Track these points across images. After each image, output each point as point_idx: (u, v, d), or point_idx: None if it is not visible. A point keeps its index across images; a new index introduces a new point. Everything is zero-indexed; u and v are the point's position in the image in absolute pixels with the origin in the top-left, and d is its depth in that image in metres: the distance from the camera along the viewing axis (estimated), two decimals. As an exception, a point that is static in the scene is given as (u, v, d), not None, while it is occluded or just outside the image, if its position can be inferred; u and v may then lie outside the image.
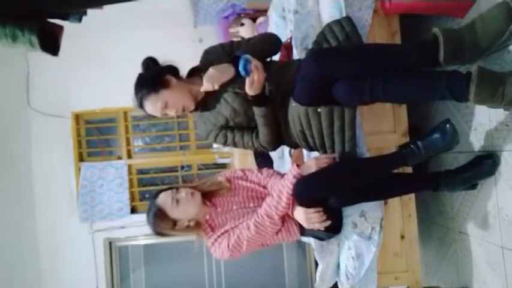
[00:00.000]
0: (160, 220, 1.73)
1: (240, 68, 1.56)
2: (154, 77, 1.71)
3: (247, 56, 1.57)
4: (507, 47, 1.52)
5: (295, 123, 1.68)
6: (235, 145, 1.80)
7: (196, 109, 1.80)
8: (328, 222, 1.66)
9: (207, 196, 1.83)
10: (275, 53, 1.88)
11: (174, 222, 1.74)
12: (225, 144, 1.81)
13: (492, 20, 1.39)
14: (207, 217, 1.79)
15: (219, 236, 1.73)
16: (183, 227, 1.76)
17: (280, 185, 1.68)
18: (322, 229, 1.68)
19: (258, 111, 1.67)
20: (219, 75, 1.62)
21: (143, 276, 4.19)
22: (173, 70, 1.76)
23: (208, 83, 1.61)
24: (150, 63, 1.78)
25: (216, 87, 1.62)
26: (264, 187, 1.85)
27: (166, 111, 1.71)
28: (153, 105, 1.69)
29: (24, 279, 3.76)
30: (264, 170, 1.92)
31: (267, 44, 1.84)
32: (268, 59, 1.84)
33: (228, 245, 1.69)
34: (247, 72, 1.56)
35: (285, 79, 1.71)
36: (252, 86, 1.59)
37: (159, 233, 1.77)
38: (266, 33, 2.00)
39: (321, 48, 1.69)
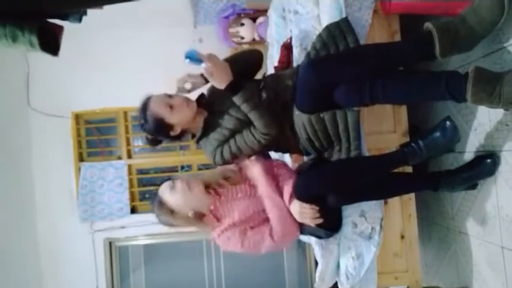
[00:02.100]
0: (158, 209, 1.72)
1: (187, 59, 1.59)
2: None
3: (192, 49, 1.61)
4: (507, 47, 1.53)
5: (300, 132, 1.69)
6: (239, 150, 1.74)
7: (202, 137, 1.82)
8: (320, 220, 1.66)
9: (211, 186, 1.79)
10: (256, 66, 1.91)
11: (171, 211, 1.72)
12: (231, 154, 1.75)
13: (484, 11, 1.40)
14: (212, 207, 1.74)
15: (226, 229, 1.68)
16: (183, 216, 1.72)
17: (276, 206, 1.69)
18: (313, 225, 1.68)
19: (238, 99, 1.66)
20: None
21: (143, 276, 4.19)
22: None
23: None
24: None
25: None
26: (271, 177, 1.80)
27: (170, 102, 1.73)
28: (157, 96, 1.75)
29: (24, 279, 3.76)
30: (275, 161, 1.93)
31: (246, 54, 1.93)
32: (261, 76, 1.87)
33: (243, 242, 1.66)
34: (197, 60, 1.60)
35: (281, 88, 1.73)
36: (213, 77, 1.62)
37: (164, 222, 1.76)
38: (250, 49, 2.04)
39: (317, 56, 1.69)
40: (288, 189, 1.69)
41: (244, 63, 1.83)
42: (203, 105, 1.84)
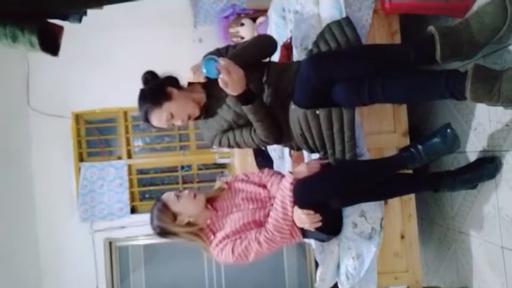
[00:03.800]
0: (162, 213, 1.76)
1: (204, 70, 1.56)
2: (155, 91, 1.74)
3: (212, 57, 1.57)
4: (507, 47, 1.52)
5: (295, 126, 1.68)
6: (238, 145, 1.81)
7: (199, 117, 1.82)
8: (318, 224, 1.66)
9: (209, 201, 1.86)
10: (270, 55, 1.87)
11: (175, 217, 1.76)
12: (229, 146, 1.82)
13: (488, 17, 1.39)
14: (208, 221, 1.80)
15: (220, 241, 1.74)
16: (183, 223, 1.77)
17: (280, 195, 1.68)
18: (312, 229, 1.69)
19: (246, 110, 1.66)
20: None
21: (143, 276, 4.19)
22: (173, 81, 1.79)
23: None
24: (149, 77, 1.81)
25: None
26: (264, 187, 1.86)
27: (172, 122, 1.75)
28: (158, 119, 1.73)
29: (24, 279, 3.76)
30: (265, 170, 1.95)
31: (260, 46, 1.84)
32: (267, 60, 1.84)
33: (233, 252, 1.69)
34: (214, 73, 1.55)
35: (283, 82, 1.72)
36: (227, 87, 1.58)
37: (161, 231, 1.79)
38: (261, 35, 2.00)
39: (318, 53, 1.69)
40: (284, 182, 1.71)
41: (257, 55, 1.81)
42: (204, 83, 1.82)
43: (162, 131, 4.02)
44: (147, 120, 1.76)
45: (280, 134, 1.75)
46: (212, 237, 1.76)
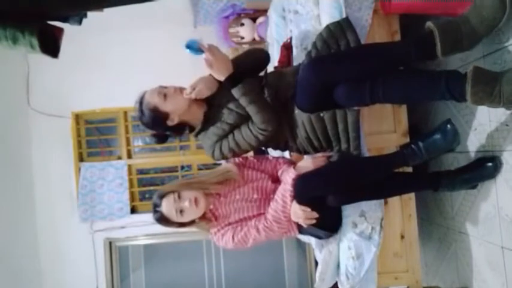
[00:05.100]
0: (166, 223, 1.78)
1: (187, 50, 1.60)
2: None
3: (193, 39, 1.62)
4: (507, 47, 1.52)
5: (300, 130, 1.69)
6: (238, 145, 1.76)
7: (200, 131, 1.83)
8: (312, 221, 1.66)
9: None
10: (263, 63, 1.90)
11: (180, 224, 1.78)
12: (229, 149, 1.77)
13: (486, 10, 1.39)
14: (211, 206, 1.80)
15: (222, 227, 1.77)
16: (189, 225, 1.80)
17: (282, 189, 1.69)
18: (305, 226, 1.69)
19: (236, 92, 1.67)
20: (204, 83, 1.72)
21: (143, 276, 4.19)
22: None
23: (191, 89, 1.72)
24: None
25: (193, 95, 1.72)
26: (273, 179, 1.84)
27: (164, 90, 1.75)
28: (150, 91, 1.76)
29: (24, 279, 3.76)
30: (281, 158, 1.94)
31: (252, 53, 1.91)
32: (263, 73, 1.86)
33: (233, 238, 1.73)
34: (196, 51, 1.60)
35: (283, 83, 1.72)
36: (212, 67, 1.62)
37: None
38: (253, 47, 2.04)
39: (318, 55, 1.69)
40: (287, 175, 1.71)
41: (249, 63, 1.83)
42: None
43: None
44: (141, 101, 1.77)
45: (277, 118, 1.71)
46: (214, 222, 1.79)
